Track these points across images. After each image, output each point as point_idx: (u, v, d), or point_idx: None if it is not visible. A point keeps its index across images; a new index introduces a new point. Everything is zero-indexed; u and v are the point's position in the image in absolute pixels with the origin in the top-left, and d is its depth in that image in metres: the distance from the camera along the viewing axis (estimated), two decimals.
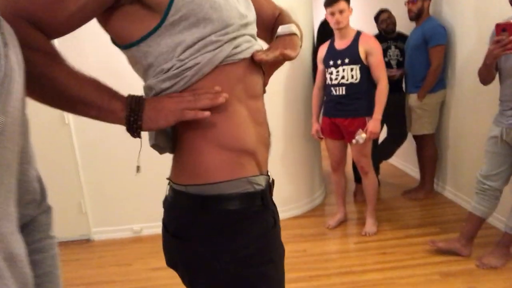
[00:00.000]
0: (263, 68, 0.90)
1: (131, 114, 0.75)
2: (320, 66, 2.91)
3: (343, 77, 2.69)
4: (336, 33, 2.74)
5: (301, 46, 0.97)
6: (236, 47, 0.80)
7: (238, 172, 0.81)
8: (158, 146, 0.86)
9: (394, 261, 2.46)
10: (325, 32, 3.33)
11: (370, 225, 2.89)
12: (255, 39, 0.88)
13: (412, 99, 3.25)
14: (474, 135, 2.94)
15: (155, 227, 3.15)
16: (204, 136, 0.80)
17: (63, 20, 0.71)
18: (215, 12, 0.76)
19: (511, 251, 2.28)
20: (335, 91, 2.74)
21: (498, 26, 1.90)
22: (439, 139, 3.43)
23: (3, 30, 0.53)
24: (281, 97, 3.15)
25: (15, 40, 0.57)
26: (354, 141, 2.69)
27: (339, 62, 2.71)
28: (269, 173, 0.92)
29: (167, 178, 0.90)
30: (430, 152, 3.33)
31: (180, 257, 0.84)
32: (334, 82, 2.74)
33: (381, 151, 3.59)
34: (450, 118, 3.24)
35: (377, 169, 3.63)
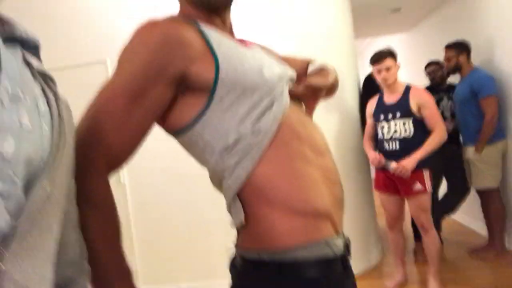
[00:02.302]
0: (304, 104, 0.93)
1: None
2: (369, 120, 2.87)
3: (395, 131, 2.63)
4: (384, 88, 2.73)
5: (336, 81, 1.01)
6: (285, 98, 0.83)
7: (314, 235, 0.77)
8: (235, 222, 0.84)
9: None
10: (370, 86, 3.33)
11: None
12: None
13: (470, 152, 3.08)
14: None
15: (202, 287, 3.10)
16: (273, 203, 0.77)
17: (138, 141, 0.78)
18: (260, 76, 0.79)
19: None
20: (388, 145, 2.67)
21: None
22: (507, 192, 3.17)
23: (58, 102, 0.57)
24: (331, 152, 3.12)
25: (69, 109, 0.61)
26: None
27: (390, 116, 2.67)
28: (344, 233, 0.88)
29: (234, 245, 0.87)
30: (496, 208, 3.07)
31: None
32: (387, 136, 2.68)
33: (443, 206, 3.38)
34: None
35: (438, 226, 3.39)
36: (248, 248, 0.80)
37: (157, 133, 0.95)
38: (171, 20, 0.81)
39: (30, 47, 0.57)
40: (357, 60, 3.60)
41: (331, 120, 3.14)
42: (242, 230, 0.83)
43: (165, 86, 0.76)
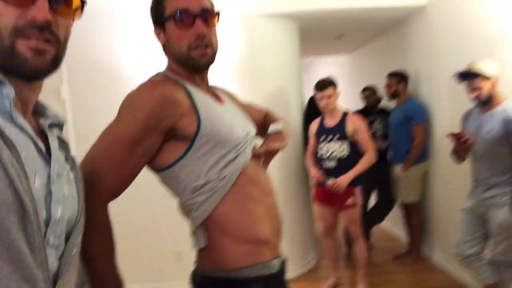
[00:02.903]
0: (261, 160, 1.18)
1: None
2: (312, 140, 3.18)
3: (333, 152, 2.97)
4: (325, 112, 3.05)
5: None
6: (247, 154, 1.07)
7: (258, 259, 1.03)
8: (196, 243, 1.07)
9: None
10: (314, 106, 3.66)
11: None
12: (254, 141, 1.17)
13: (397, 169, 3.52)
14: (456, 203, 3.15)
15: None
16: (228, 233, 1.02)
17: (132, 179, 0.99)
18: (230, 134, 1.03)
19: None
20: (326, 164, 3.00)
21: (450, 136, 2.28)
22: (427, 206, 3.63)
23: (75, 165, 0.75)
24: (275, 161, 3.38)
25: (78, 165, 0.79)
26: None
27: (329, 137, 3.00)
28: (281, 254, 1.13)
29: (195, 263, 1.10)
30: (415, 220, 3.53)
31: None
32: (326, 156, 3.00)
33: (372, 216, 3.80)
34: (435, 187, 3.48)
35: (368, 234, 3.81)
36: (207, 267, 1.05)
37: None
38: (166, 82, 1.03)
39: (59, 125, 0.77)
40: (302, 77, 3.89)
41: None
42: (202, 252, 1.07)
43: (158, 135, 0.98)
